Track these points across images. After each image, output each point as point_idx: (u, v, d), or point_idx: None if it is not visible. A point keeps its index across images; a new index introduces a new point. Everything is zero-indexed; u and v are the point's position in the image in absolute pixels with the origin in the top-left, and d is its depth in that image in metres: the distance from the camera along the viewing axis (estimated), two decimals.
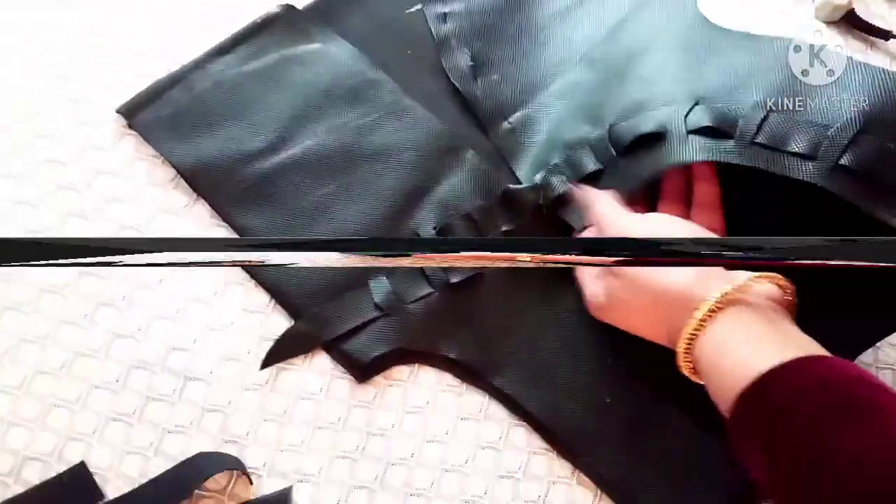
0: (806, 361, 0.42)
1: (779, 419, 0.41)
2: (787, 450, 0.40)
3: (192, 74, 0.65)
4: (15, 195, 0.60)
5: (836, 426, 0.39)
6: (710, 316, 0.46)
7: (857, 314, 0.54)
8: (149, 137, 0.63)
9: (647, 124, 0.55)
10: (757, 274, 0.47)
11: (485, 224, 0.60)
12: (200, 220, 0.60)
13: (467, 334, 0.57)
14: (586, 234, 0.56)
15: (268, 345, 0.57)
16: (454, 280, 0.58)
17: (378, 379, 0.56)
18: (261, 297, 0.59)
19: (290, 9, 0.69)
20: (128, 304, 0.57)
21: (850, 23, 0.74)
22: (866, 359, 0.59)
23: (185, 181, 0.61)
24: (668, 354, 0.50)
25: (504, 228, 0.59)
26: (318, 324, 0.57)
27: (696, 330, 0.46)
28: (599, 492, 0.54)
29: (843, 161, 0.49)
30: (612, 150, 0.57)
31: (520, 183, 0.61)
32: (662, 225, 0.52)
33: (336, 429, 0.55)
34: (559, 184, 0.58)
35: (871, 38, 0.74)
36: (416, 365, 0.57)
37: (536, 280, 0.59)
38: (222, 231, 0.60)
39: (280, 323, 0.58)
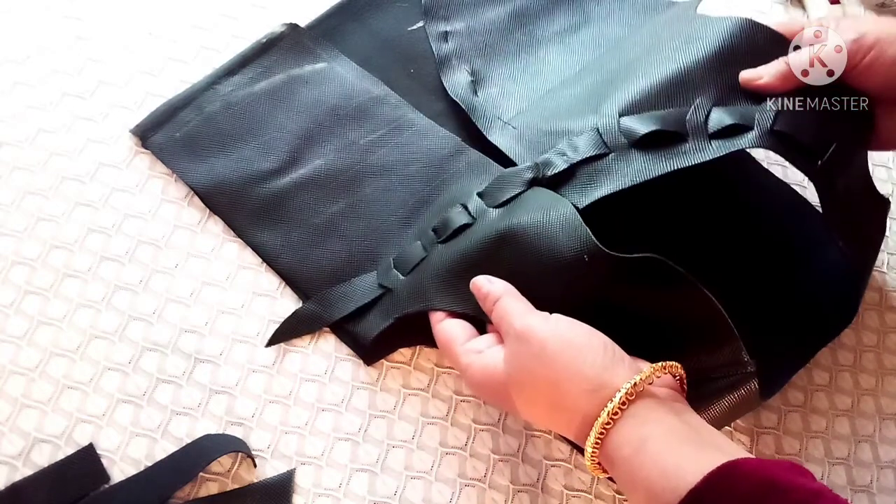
0: (729, 471, 0.36)
1: None
2: None
3: (203, 95, 0.62)
4: (38, 211, 0.57)
5: None
6: (621, 408, 0.40)
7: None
8: (163, 158, 0.59)
9: (664, 123, 0.51)
10: (659, 364, 0.42)
11: (477, 207, 0.53)
12: (215, 236, 0.57)
13: (465, 289, 0.50)
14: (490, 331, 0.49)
15: (276, 327, 0.54)
16: (443, 236, 0.53)
17: (380, 361, 0.53)
18: (270, 281, 0.55)
19: (294, 28, 0.66)
20: (144, 288, 0.54)
21: None
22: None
23: (201, 200, 0.58)
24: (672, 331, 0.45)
25: (497, 203, 0.53)
26: (324, 304, 0.54)
27: (606, 424, 0.40)
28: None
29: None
30: (624, 138, 0.51)
31: None
32: (561, 324, 0.44)
33: (339, 410, 0.51)
34: (560, 162, 0.52)
35: None
36: (417, 347, 0.54)
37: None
38: (236, 245, 0.57)
39: (288, 306, 0.54)
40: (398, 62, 0.66)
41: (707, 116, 0.50)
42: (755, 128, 0.49)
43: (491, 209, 0.53)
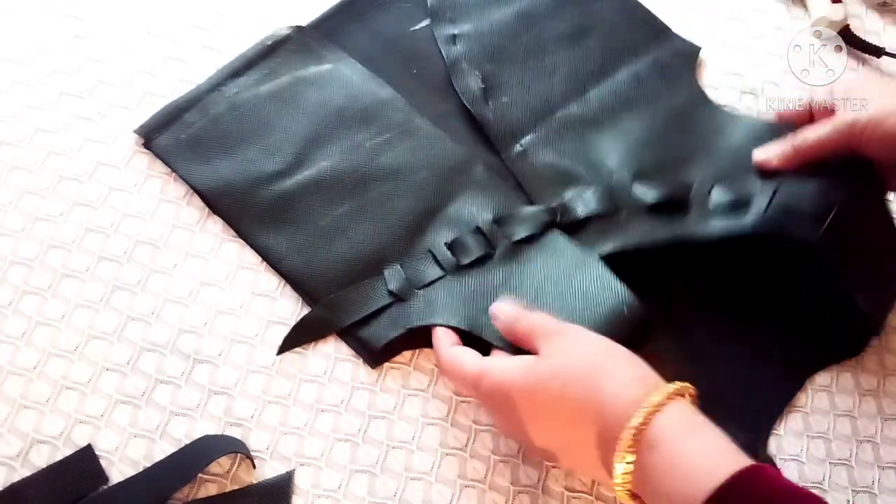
0: (755, 473, 0.38)
1: None
2: None
3: (208, 97, 0.61)
4: (35, 211, 0.56)
5: None
6: (668, 399, 0.41)
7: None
8: (168, 160, 0.59)
9: (672, 192, 0.56)
10: (679, 384, 0.43)
11: (494, 236, 0.55)
12: (214, 235, 0.57)
13: (478, 310, 0.52)
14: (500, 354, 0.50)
15: (275, 328, 0.53)
16: (464, 262, 0.55)
17: None
18: (269, 281, 0.55)
19: (299, 30, 0.65)
20: (142, 289, 0.54)
21: (845, 39, 0.68)
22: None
23: (205, 203, 0.58)
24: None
25: (515, 239, 0.55)
26: (333, 310, 0.54)
27: (659, 405, 0.40)
28: None
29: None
30: (635, 200, 0.57)
31: (530, 201, 0.58)
32: (596, 335, 0.46)
33: (338, 411, 0.51)
34: (578, 212, 0.56)
35: (864, 55, 0.69)
36: (418, 349, 0.53)
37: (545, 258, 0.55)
38: (235, 246, 0.56)
39: (287, 307, 0.54)
40: (401, 62, 0.65)
41: (710, 191, 0.56)
42: (753, 207, 0.53)
43: (509, 241, 0.56)
